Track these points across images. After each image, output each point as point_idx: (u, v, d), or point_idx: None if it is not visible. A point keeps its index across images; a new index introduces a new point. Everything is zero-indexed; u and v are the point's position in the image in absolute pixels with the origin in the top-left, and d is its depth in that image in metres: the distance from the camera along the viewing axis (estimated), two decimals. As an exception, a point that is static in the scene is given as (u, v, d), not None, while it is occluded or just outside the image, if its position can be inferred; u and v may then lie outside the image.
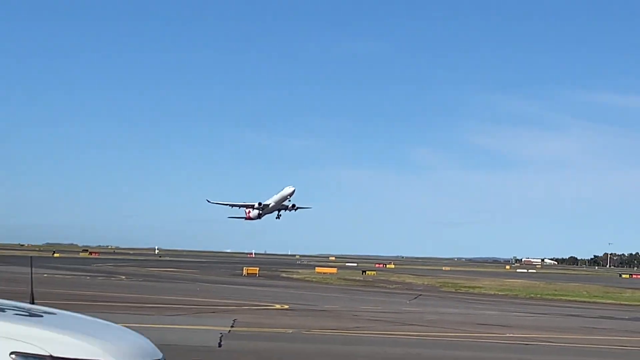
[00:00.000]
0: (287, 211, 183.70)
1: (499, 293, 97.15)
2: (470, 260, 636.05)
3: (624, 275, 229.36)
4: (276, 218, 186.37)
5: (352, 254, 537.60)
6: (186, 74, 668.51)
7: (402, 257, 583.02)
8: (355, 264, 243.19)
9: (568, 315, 60.28)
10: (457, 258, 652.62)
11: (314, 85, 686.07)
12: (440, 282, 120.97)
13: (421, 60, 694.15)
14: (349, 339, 33.94)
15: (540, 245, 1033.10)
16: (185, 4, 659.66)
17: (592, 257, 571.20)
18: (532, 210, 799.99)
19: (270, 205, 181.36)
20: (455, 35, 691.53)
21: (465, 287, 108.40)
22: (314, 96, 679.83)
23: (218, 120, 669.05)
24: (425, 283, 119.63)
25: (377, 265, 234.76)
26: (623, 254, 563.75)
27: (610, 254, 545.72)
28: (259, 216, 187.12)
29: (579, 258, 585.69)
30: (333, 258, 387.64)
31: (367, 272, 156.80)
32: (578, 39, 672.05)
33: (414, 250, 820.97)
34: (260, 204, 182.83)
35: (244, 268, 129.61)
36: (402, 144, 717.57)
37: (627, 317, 59.35)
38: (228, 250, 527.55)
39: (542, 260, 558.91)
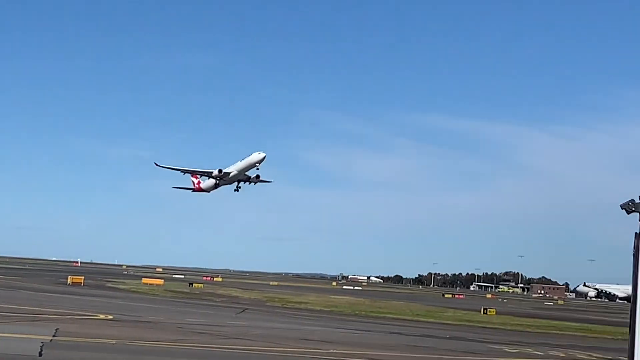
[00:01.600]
0: (249, 183, 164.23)
1: (325, 309, 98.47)
2: (297, 275, 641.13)
3: (446, 295, 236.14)
4: (235, 190, 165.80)
5: (180, 265, 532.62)
6: None
7: (231, 271, 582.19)
8: (183, 276, 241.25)
9: (392, 332, 61.78)
10: (285, 273, 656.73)
11: (144, 95, 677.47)
12: (267, 297, 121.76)
13: (253, 75, 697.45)
14: (171, 351, 33.89)
15: (367, 262, 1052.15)
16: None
17: (417, 276, 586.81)
18: (360, 228, 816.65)
19: (231, 174, 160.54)
20: (290, 52, 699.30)
21: (291, 302, 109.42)
22: (141, 105, 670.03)
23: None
24: (252, 297, 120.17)
25: (204, 278, 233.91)
26: (447, 274, 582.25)
27: (435, 274, 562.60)
28: (215, 186, 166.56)
29: (404, 277, 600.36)
30: (160, 269, 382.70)
31: (194, 284, 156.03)
32: (408, 62, 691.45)
33: (243, 264, 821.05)
34: (220, 171, 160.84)
35: (69, 277, 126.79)
36: (231, 157, 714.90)
37: (447, 336, 61.27)
38: (53, 259, 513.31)
39: (368, 277, 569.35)
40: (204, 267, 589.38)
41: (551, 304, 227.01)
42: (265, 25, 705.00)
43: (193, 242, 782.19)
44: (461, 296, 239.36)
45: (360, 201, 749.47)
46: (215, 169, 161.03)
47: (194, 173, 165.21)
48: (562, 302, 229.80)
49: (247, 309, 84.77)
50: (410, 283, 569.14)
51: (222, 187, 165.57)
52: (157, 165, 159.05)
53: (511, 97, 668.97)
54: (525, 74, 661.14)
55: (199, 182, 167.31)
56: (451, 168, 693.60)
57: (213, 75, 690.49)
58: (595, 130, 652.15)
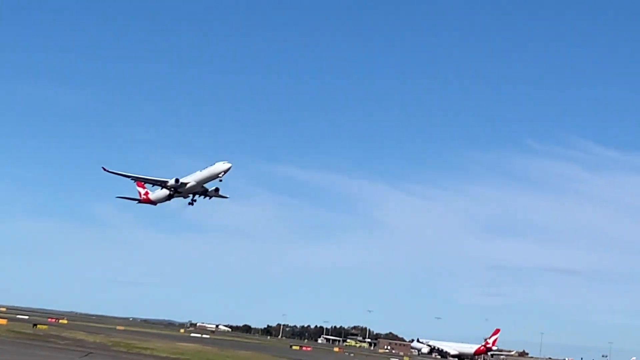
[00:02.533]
0: (205, 197, 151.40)
1: (171, 356, 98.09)
2: (145, 320, 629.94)
3: (294, 347, 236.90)
4: (189, 204, 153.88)
5: (25, 306, 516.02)
6: None
7: (77, 313, 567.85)
8: (27, 317, 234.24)
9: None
10: (132, 318, 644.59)
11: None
12: (112, 341, 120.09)
13: (108, 113, 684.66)
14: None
15: (216, 311, 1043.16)
16: None
17: (266, 326, 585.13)
18: (210, 275, 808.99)
19: (188, 185, 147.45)
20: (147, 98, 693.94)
21: (137, 347, 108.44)
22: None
23: None
24: (98, 341, 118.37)
25: (50, 320, 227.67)
26: (295, 326, 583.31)
27: (283, 325, 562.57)
28: (168, 197, 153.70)
29: (252, 326, 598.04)
30: (4, 309, 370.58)
31: (38, 325, 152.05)
32: (268, 114, 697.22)
33: (89, 306, 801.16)
34: (177, 180, 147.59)
35: None
36: (83, 199, 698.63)
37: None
38: None
39: (217, 326, 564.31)
40: (50, 308, 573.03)
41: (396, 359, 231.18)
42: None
43: (39, 282, 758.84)
44: (309, 348, 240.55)
45: (213, 248, 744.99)
46: (171, 179, 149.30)
47: (145, 181, 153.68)
48: (407, 359, 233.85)
49: (91, 352, 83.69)
50: (258, 333, 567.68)
51: (174, 199, 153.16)
52: (105, 170, 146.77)
53: (367, 153, 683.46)
54: (382, 133, 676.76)
55: (146, 193, 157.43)
56: (305, 220, 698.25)
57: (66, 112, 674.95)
58: (446, 189, 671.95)
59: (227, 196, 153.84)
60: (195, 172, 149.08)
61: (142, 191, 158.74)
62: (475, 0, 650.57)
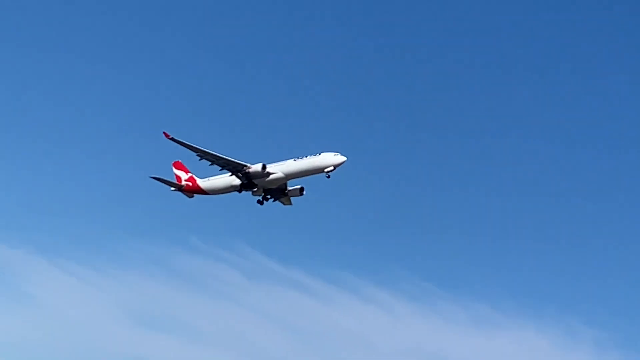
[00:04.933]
0: (272, 198, 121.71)
1: None
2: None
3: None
4: (258, 202, 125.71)
5: None
6: None
7: None
8: None
9: None
10: None
11: None
12: None
13: None
14: None
15: None
16: None
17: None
18: None
19: (272, 176, 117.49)
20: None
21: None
22: None
23: None
24: None
25: None
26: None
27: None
28: (238, 189, 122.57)
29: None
30: None
31: None
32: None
33: None
34: (264, 167, 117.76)
35: None
36: None
37: None
38: None
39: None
40: None
41: None
42: None
43: None
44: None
45: None
46: (255, 163, 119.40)
47: (214, 160, 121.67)
48: None
49: None
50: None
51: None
52: (166, 135, 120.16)
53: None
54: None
55: (191, 178, 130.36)
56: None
57: None
58: (103, 274, 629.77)
59: (304, 193, 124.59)
60: (281, 161, 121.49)
61: (184, 175, 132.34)
62: None
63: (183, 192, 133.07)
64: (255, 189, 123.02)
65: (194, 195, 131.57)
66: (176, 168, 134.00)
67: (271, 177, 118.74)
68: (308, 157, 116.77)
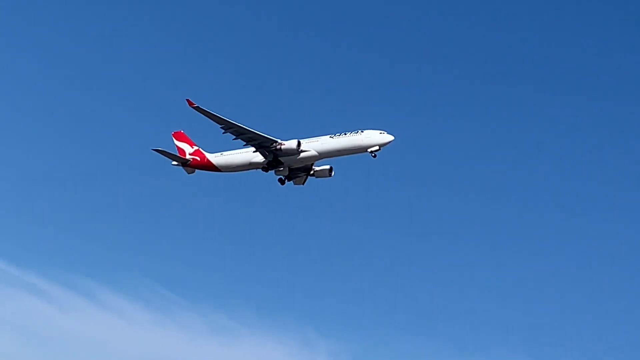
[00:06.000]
0: (295, 177, 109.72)
1: None
2: None
3: None
4: (279, 181, 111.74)
5: None
6: None
7: None
8: None
9: None
10: None
11: None
12: None
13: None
14: None
15: None
16: None
17: None
18: None
19: (303, 154, 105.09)
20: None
21: None
22: None
23: None
24: None
25: None
26: None
27: None
28: (264, 167, 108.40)
29: None
30: None
31: None
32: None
33: None
34: (299, 144, 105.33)
35: None
36: None
37: None
38: None
39: None
40: None
41: None
42: None
43: None
44: None
45: None
46: (288, 140, 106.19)
47: (242, 135, 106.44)
48: None
49: None
50: None
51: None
52: (190, 103, 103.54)
53: None
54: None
55: (197, 152, 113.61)
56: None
57: None
58: None
59: (332, 174, 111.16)
60: (314, 136, 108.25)
61: (189, 149, 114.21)
62: None
63: (191, 167, 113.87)
64: (281, 168, 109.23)
65: (211, 170, 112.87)
66: (177, 139, 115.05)
67: (302, 154, 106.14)
68: (347, 134, 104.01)
